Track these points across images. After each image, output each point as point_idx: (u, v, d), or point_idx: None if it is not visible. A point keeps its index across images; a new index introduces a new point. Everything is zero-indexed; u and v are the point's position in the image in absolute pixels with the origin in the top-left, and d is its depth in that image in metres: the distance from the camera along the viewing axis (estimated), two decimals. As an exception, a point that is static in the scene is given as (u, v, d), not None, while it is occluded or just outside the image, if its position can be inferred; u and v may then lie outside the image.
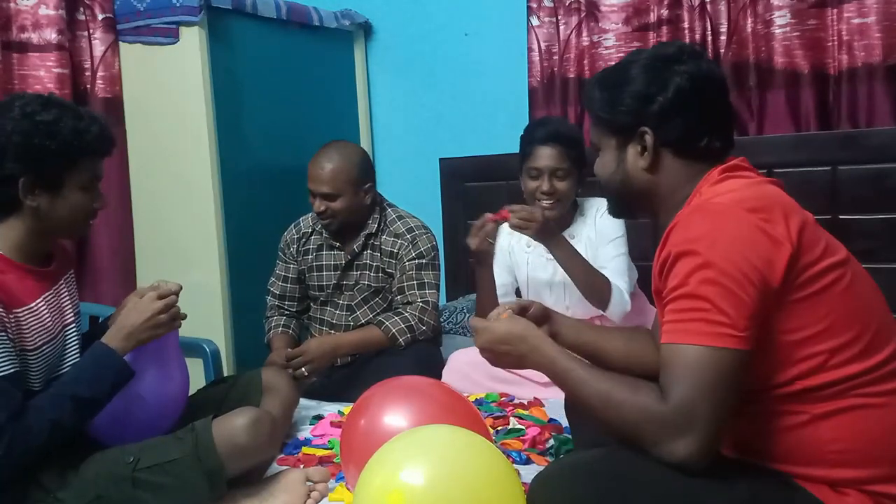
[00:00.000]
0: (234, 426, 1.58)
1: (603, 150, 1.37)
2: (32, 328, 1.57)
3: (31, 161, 1.53)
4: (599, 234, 2.33)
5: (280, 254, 2.65)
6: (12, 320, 1.51)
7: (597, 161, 1.39)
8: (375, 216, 2.52)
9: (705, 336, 1.10)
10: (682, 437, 1.09)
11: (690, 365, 1.10)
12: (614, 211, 1.46)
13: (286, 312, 2.64)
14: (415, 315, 2.43)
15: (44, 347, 1.59)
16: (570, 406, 1.70)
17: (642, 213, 1.41)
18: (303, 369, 2.38)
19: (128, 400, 1.64)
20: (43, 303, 1.61)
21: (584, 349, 1.49)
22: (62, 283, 1.71)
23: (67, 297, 1.71)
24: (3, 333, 1.48)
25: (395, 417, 1.54)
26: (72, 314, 1.71)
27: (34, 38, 2.70)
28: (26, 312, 1.56)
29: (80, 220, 1.64)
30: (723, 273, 1.11)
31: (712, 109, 1.31)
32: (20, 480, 1.52)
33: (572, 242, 2.38)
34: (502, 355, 1.38)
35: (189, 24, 2.74)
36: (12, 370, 1.48)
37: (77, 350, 1.70)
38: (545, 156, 2.28)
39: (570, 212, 2.40)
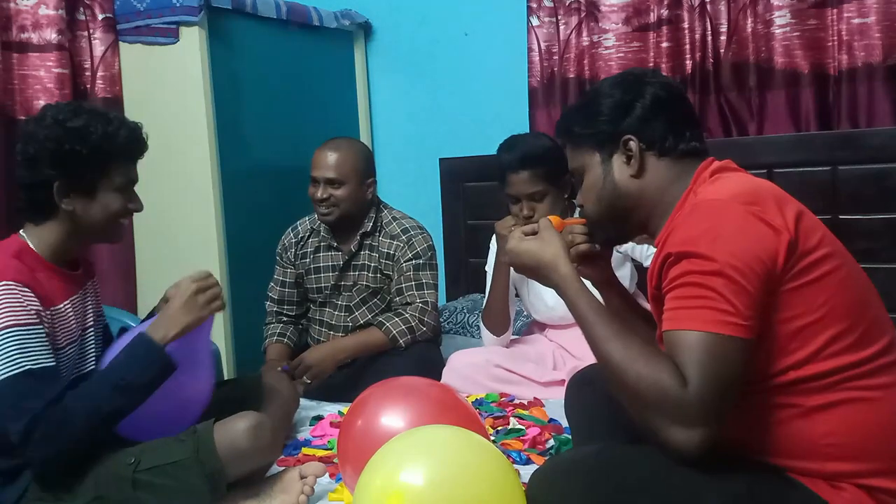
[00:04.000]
0: (235, 430, 1.59)
1: (587, 172, 1.38)
2: (58, 329, 1.60)
3: (63, 166, 1.58)
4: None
5: (278, 258, 2.65)
6: (48, 317, 1.56)
7: (582, 188, 1.40)
8: (371, 215, 2.53)
9: (715, 324, 1.10)
10: (696, 427, 1.09)
11: (705, 352, 1.10)
12: (605, 236, 1.46)
13: (284, 318, 2.64)
14: (415, 316, 2.43)
15: (67, 349, 1.62)
16: (570, 404, 1.70)
17: (631, 230, 1.40)
18: (304, 378, 2.38)
19: (155, 396, 1.62)
20: (69, 305, 1.65)
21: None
22: (89, 288, 1.75)
23: (91, 303, 1.75)
24: (41, 327, 1.51)
25: (391, 418, 1.54)
26: (93, 318, 1.74)
27: (34, 38, 2.71)
28: (55, 313, 1.60)
29: (113, 222, 1.66)
30: (727, 265, 1.12)
31: (685, 112, 1.38)
32: (22, 478, 1.53)
33: None
34: (528, 275, 1.44)
35: (189, 24, 2.75)
36: (52, 363, 1.51)
37: (94, 354, 1.72)
38: (517, 182, 2.29)
39: (568, 215, 2.41)
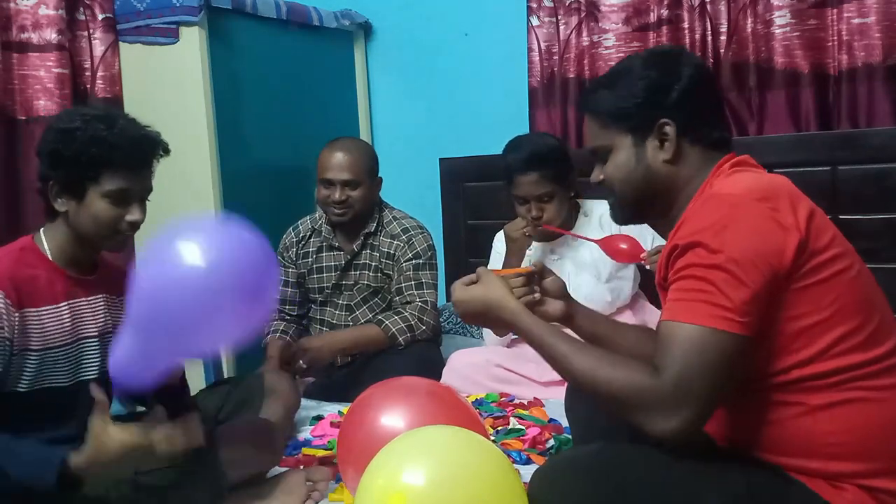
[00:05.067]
0: (237, 435, 1.58)
1: (616, 152, 1.34)
2: (47, 328, 1.58)
3: (55, 166, 1.58)
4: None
5: (279, 258, 2.65)
6: (16, 318, 1.52)
7: (608, 165, 1.35)
8: (375, 215, 2.54)
9: (706, 317, 1.11)
10: (674, 414, 1.10)
11: (690, 343, 1.11)
12: (625, 216, 1.42)
13: (286, 317, 2.65)
14: (414, 315, 2.43)
15: (53, 350, 1.60)
16: (570, 404, 1.70)
17: (655, 213, 1.38)
18: (301, 362, 2.38)
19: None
20: (67, 307, 1.63)
21: (598, 340, 1.49)
22: (101, 298, 1.71)
23: (102, 313, 1.70)
24: None
25: (392, 418, 1.53)
26: (95, 331, 1.69)
27: (34, 38, 2.70)
28: (45, 312, 1.58)
29: (104, 230, 1.62)
30: (729, 260, 1.12)
31: (718, 97, 1.37)
32: None
33: (578, 245, 2.41)
34: (479, 322, 1.45)
35: (189, 24, 2.74)
36: None
37: (97, 363, 1.67)
38: (525, 183, 2.30)
39: (571, 213, 2.42)
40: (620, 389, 1.15)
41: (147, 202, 1.68)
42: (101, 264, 1.75)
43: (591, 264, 2.38)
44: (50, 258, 1.62)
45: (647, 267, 2.18)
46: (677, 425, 1.10)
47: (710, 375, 1.10)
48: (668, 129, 1.29)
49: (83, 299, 1.67)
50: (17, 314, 1.53)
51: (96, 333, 1.69)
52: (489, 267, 2.52)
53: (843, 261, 1.18)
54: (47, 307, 1.59)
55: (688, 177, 1.30)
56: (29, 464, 1.39)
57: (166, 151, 1.69)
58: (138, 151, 1.62)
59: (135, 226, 1.66)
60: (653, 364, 1.13)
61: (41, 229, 1.66)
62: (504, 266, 2.39)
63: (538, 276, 1.52)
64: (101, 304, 1.72)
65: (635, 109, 1.30)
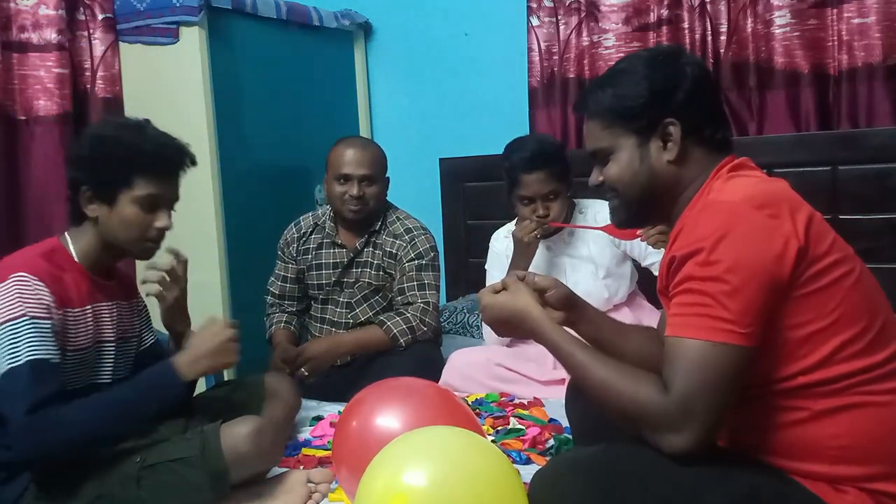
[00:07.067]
0: (236, 434, 1.59)
1: (618, 153, 1.32)
2: (77, 330, 1.62)
3: (89, 171, 1.64)
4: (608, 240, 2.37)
5: (279, 253, 2.66)
6: (59, 315, 1.56)
7: (610, 166, 1.34)
8: (380, 214, 2.54)
9: (707, 331, 1.11)
10: (682, 431, 1.11)
11: (692, 359, 1.11)
12: (627, 218, 1.39)
13: (286, 311, 2.65)
14: (416, 316, 2.43)
15: (76, 353, 1.62)
16: (570, 402, 1.70)
17: (657, 215, 1.38)
18: (302, 369, 2.38)
19: None
20: (91, 311, 1.66)
21: (601, 345, 1.49)
22: (117, 304, 1.75)
23: (117, 319, 1.75)
24: (49, 322, 1.52)
25: (387, 419, 1.53)
26: (112, 335, 1.73)
27: (34, 38, 2.70)
28: (72, 314, 1.61)
29: (134, 236, 1.67)
30: (728, 270, 1.11)
31: (719, 98, 1.36)
32: (21, 476, 1.53)
33: (575, 241, 2.41)
34: (505, 328, 1.46)
35: (189, 24, 2.75)
36: (57, 359, 1.52)
37: (111, 368, 1.72)
38: (533, 182, 2.29)
39: (569, 212, 2.42)
40: (630, 406, 1.16)
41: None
42: (116, 271, 1.79)
43: (588, 259, 2.39)
44: (77, 261, 1.66)
45: (644, 242, 2.17)
46: (687, 443, 1.11)
47: (715, 391, 1.11)
48: (672, 129, 1.28)
49: (103, 303, 1.70)
50: (61, 311, 1.57)
51: (114, 338, 1.73)
52: (487, 268, 2.53)
53: (844, 266, 1.17)
54: (74, 309, 1.62)
55: (691, 177, 1.30)
56: (146, 391, 1.61)
57: (193, 162, 1.75)
58: (169, 158, 1.68)
59: (162, 232, 1.70)
60: (662, 380, 1.14)
61: (66, 232, 1.69)
62: (511, 268, 2.38)
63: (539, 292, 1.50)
64: (117, 309, 1.75)
65: (640, 109, 1.29)
